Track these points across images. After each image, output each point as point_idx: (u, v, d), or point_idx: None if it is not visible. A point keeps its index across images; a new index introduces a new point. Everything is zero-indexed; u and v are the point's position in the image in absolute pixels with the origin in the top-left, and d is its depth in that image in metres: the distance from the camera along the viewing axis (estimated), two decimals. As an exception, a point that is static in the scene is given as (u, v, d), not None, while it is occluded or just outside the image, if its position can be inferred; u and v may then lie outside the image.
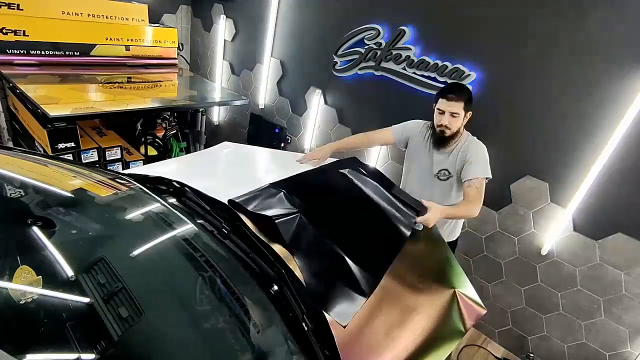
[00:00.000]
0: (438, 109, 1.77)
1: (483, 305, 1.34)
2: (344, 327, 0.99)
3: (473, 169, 1.76)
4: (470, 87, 1.97)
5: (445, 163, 1.87)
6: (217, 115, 4.03)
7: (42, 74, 2.68)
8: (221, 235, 1.22)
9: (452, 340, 1.17)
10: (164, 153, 3.34)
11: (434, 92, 2.35)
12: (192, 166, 1.80)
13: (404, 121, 2.09)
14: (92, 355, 0.75)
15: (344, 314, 1.02)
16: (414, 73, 2.43)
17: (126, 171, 1.71)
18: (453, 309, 1.26)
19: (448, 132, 1.77)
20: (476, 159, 1.77)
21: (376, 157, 2.79)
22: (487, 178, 1.78)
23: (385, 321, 1.10)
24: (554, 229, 2.15)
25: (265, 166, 1.92)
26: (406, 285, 1.26)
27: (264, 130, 3.47)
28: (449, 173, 1.87)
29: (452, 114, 1.72)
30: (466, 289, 1.35)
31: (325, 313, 0.99)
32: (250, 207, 1.24)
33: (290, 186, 1.44)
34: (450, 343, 1.15)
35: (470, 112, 1.78)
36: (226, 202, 1.26)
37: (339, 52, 2.76)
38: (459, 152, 1.83)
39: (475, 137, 1.86)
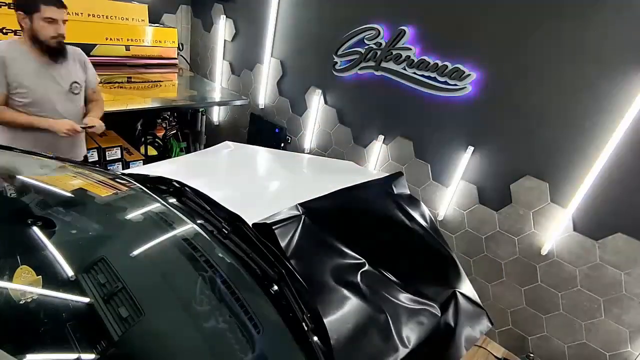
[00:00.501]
0: (48, 17, 1.60)
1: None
2: None
3: (94, 77, 1.94)
4: None
5: (73, 76, 1.80)
6: (217, 115, 4.03)
7: (42, 74, 2.68)
8: (221, 235, 1.22)
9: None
10: (164, 153, 3.35)
11: (434, 92, 2.37)
12: (193, 166, 1.80)
13: (404, 121, 2.09)
14: (92, 355, 0.75)
15: None
16: (414, 73, 2.43)
17: (126, 171, 1.71)
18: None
19: (63, 41, 1.70)
20: (90, 69, 1.90)
21: (376, 157, 2.79)
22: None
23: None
24: (554, 229, 2.15)
25: (266, 166, 1.92)
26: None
27: (264, 130, 3.47)
28: (79, 84, 1.84)
29: (64, 21, 1.65)
30: (466, 288, 1.35)
31: (323, 317, 0.99)
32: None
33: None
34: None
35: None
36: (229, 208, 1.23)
37: (339, 52, 2.76)
38: (76, 60, 1.83)
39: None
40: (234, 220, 1.23)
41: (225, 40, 3.62)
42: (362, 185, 1.59)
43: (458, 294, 1.30)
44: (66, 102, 1.80)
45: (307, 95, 3.11)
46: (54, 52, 1.68)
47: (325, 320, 0.98)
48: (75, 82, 1.81)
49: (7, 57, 1.62)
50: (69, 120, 1.65)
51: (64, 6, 1.61)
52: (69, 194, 1.25)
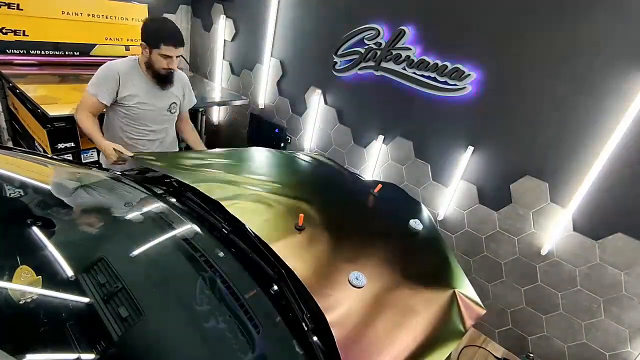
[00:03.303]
0: (166, 55, 1.82)
1: (482, 305, 1.34)
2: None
3: (191, 99, 2.21)
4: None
5: (173, 97, 2.05)
6: (217, 115, 4.03)
7: (42, 73, 2.68)
8: (221, 235, 1.22)
9: (452, 340, 1.17)
10: (164, 153, 3.34)
11: (434, 92, 2.37)
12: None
13: (404, 121, 2.09)
14: (92, 355, 0.75)
15: None
16: (414, 73, 2.43)
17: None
18: (452, 309, 1.26)
19: (173, 72, 1.96)
20: (188, 90, 2.17)
21: (376, 157, 2.79)
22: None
23: (385, 321, 1.10)
24: (554, 229, 2.15)
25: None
26: (406, 286, 1.26)
27: (264, 130, 3.47)
28: (177, 105, 2.09)
29: (177, 58, 1.88)
30: (465, 289, 1.35)
31: (325, 315, 0.99)
32: None
33: None
34: (450, 343, 1.15)
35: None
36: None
37: (339, 52, 2.76)
38: (179, 85, 2.07)
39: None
40: (233, 220, 1.23)
41: (225, 40, 3.62)
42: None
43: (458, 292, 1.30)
44: (162, 119, 2.06)
45: (307, 95, 3.11)
46: (163, 80, 1.94)
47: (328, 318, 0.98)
48: (174, 102, 2.07)
49: (122, 74, 1.87)
50: (110, 146, 1.79)
51: (181, 45, 1.85)
52: (68, 194, 1.25)
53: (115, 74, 1.85)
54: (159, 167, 1.55)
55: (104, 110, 1.97)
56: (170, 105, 2.05)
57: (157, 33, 1.80)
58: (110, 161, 1.80)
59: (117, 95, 1.88)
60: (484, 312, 1.32)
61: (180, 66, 3.62)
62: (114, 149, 1.77)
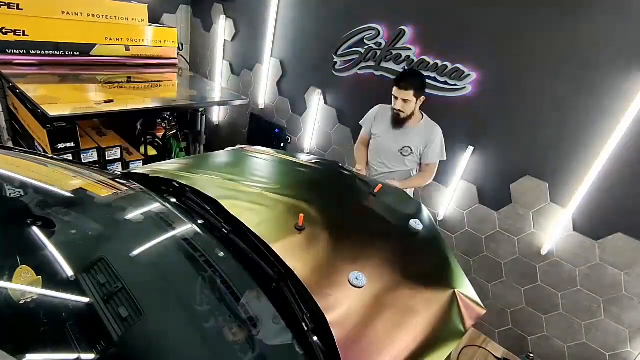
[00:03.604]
0: (393, 95, 2.05)
1: (482, 305, 1.34)
2: None
3: (432, 153, 2.16)
4: (421, 74, 2.14)
5: (407, 141, 2.16)
6: (217, 115, 4.03)
7: (42, 73, 2.68)
8: (221, 235, 1.22)
9: (452, 340, 1.17)
10: (164, 153, 3.34)
11: (434, 92, 2.37)
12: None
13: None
14: (92, 355, 0.75)
15: None
16: (414, 73, 2.43)
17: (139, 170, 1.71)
18: (453, 309, 1.26)
19: (402, 115, 2.09)
20: (436, 143, 2.14)
21: (376, 157, 2.79)
22: (444, 160, 2.22)
23: (385, 321, 1.10)
24: (554, 229, 2.15)
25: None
26: (406, 285, 1.26)
27: (264, 130, 3.47)
28: (411, 150, 2.16)
29: (403, 100, 2.02)
30: (465, 288, 1.35)
31: (325, 315, 0.99)
32: None
33: None
34: (450, 343, 1.15)
35: (423, 97, 2.07)
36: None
37: (339, 52, 2.76)
38: (421, 133, 2.14)
39: (429, 119, 2.18)
40: (234, 220, 1.23)
41: (225, 40, 3.62)
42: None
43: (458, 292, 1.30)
44: (395, 159, 2.23)
45: (307, 95, 3.11)
46: (394, 119, 2.15)
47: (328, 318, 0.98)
48: (407, 146, 2.16)
49: (378, 114, 2.27)
50: (362, 167, 2.25)
51: (406, 88, 1.99)
52: (69, 194, 1.25)
53: (379, 115, 2.26)
54: (163, 174, 1.55)
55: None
56: (402, 147, 2.17)
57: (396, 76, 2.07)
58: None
59: (371, 129, 2.29)
60: (484, 312, 1.32)
61: (181, 66, 3.64)
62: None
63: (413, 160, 2.21)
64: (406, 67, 2.46)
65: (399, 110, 2.06)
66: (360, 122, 2.35)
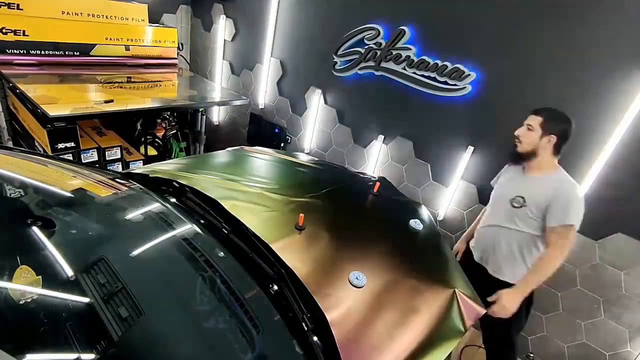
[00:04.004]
0: (522, 124, 1.69)
1: (482, 305, 1.34)
2: None
3: (554, 212, 1.56)
4: (570, 119, 1.64)
5: (524, 190, 1.67)
6: (217, 115, 4.03)
7: (42, 74, 2.68)
8: (221, 235, 1.22)
9: (452, 339, 1.17)
10: (164, 153, 3.34)
11: (434, 92, 2.37)
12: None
13: (404, 121, 2.11)
14: (92, 355, 0.75)
15: None
16: (414, 73, 2.43)
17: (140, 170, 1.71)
18: (453, 309, 1.26)
19: (519, 146, 1.68)
20: (561, 201, 1.56)
21: (376, 157, 2.79)
22: (571, 225, 1.54)
23: (385, 321, 1.10)
24: (554, 229, 2.14)
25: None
26: (406, 285, 1.26)
27: (264, 130, 3.47)
28: (524, 201, 1.64)
29: (527, 126, 1.65)
30: (465, 288, 1.35)
31: (325, 313, 0.99)
32: None
33: None
34: (450, 342, 1.15)
35: (554, 136, 1.60)
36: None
37: (339, 52, 2.76)
38: (545, 184, 1.63)
39: (569, 176, 1.64)
40: (234, 220, 1.23)
41: (225, 40, 3.62)
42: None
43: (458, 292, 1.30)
44: (503, 211, 1.72)
45: (307, 95, 3.11)
46: (511, 155, 1.75)
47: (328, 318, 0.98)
48: (520, 196, 1.65)
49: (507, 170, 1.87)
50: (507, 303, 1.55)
51: (536, 114, 1.65)
52: (69, 194, 1.25)
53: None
54: (165, 175, 1.55)
55: None
56: (515, 196, 1.67)
57: None
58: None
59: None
60: (484, 311, 1.33)
61: (181, 66, 3.64)
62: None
63: (526, 219, 1.64)
64: (406, 67, 2.45)
65: (517, 137, 1.68)
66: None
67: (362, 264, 1.24)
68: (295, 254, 1.17)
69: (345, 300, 1.09)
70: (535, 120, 1.64)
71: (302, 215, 1.29)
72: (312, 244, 1.26)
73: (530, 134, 1.64)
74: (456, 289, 1.30)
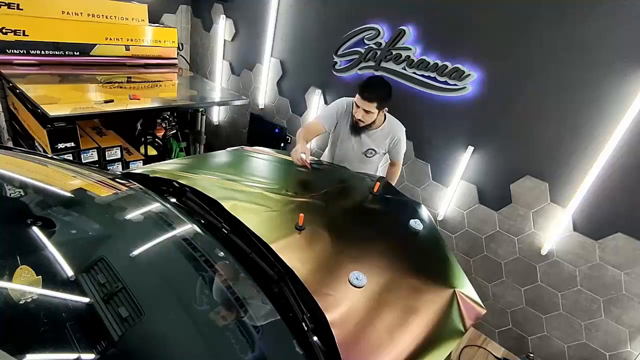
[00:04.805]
0: (355, 103, 1.95)
1: (482, 305, 1.34)
2: None
3: (400, 151, 2.15)
4: (389, 84, 1.97)
5: (371, 144, 2.11)
6: (217, 115, 4.03)
7: (42, 73, 2.68)
8: (221, 235, 1.22)
9: (452, 340, 1.17)
10: (164, 153, 3.34)
11: (434, 92, 2.37)
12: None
13: (404, 121, 2.10)
14: (92, 355, 0.75)
15: None
16: (414, 73, 2.43)
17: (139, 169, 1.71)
18: (453, 309, 1.26)
19: (362, 124, 2.01)
20: (402, 142, 2.13)
21: (376, 157, 2.79)
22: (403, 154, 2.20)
23: (385, 321, 1.10)
24: (554, 229, 2.15)
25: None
26: (406, 285, 1.26)
27: (264, 130, 3.47)
28: (375, 152, 2.13)
29: (365, 111, 1.93)
30: (466, 288, 1.35)
31: (325, 314, 0.99)
32: None
33: None
34: (450, 343, 1.15)
35: (387, 108, 2.01)
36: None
37: (339, 52, 2.76)
38: (386, 134, 2.09)
39: (392, 117, 2.11)
40: (234, 220, 1.23)
41: (225, 40, 3.62)
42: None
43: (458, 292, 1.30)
44: (359, 161, 2.17)
45: (307, 95, 3.11)
46: (352, 126, 2.07)
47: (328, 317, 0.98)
48: (372, 149, 2.12)
49: (341, 113, 2.11)
50: (299, 151, 1.86)
51: (370, 100, 1.88)
52: (69, 194, 1.25)
53: (340, 113, 2.09)
54: (166, 174, 1.55)
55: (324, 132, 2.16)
56: (366, 150, 2.13)
57: (360, 84, 1.92)
58: (293, 158, 1.87)
59: (334, 125, 2.14)
60: (484, 311, 1.32)
61: (181, 66, 3.64)
62: (301, 155, 1.83)
63: (375, 159, 2.19)
64: (406, 67, 2.45)
65: (358, 119, 1.98)
66: (319, 115, 2.15)
67: (362, 264, 1.24)
68: (295, 254, 1.17)
69: (345, 300, 1.08)
70: (372, 106, 1.91)
71: (302, 215, 1.29)
72: (312, 244, 1.26)
73: (369, 115, 1.95)
74: (456, 289, 1.30)
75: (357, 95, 1.91)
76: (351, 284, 1.14)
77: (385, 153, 2.19)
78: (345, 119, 2.11)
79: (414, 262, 1.40)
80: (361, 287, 1.14)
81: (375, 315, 1.09)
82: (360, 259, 1.28)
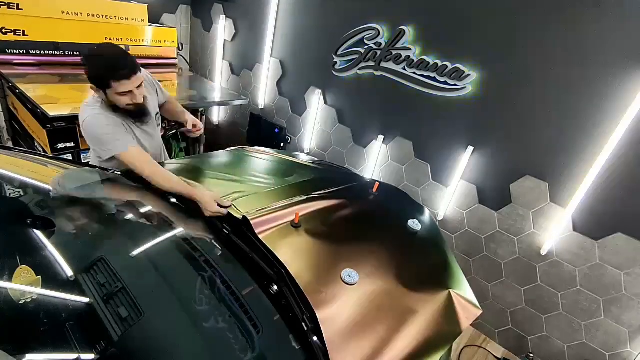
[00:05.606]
0: (121, 92, 1.47)
1: (479, 306, 1.33)
2: None
3: (165, 93, 1.90)
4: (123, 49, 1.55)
5: (154, 111, 1.77)
6: (217, 115, 4.03)
7: (42, 74, 2.68)
8: (221, 236, 1.22)
9: (447, 341, 1.16)
10: (164, 153, 3.33)
11: (434, 92, 2.37)
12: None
13: (404, 121, 2.09)
14: (92, 355, 0.75)
15: None
16: (414, 73, 2.43)
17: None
18: (447, 310, 1.25)
19: (141, 104, 1.59)
20: (159, 83, 1.86)
21: (376, 157, 2.79)
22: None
23: (378, 320, 1.09)
24: (554, 229, 2.15)
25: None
26: (400, 285, 1.25)
27: (264, 130, 3.47)
28: (158, 111, 1.84)
29: (138, 88, 1.52)
30: (462, 289, 1.35)
31: (316, 312, 0.99)
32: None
33: None
34: (445, 344, 1.14)
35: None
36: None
37: (339, 52, 2.76)
38: (150, 87, 1.78)
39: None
40: (234, 220, 1.23)
41: (225, 40, 3.62)
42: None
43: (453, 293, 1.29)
44: (157, 131, 1.82)
45: (306, 95, 3.11)
46: (135, 115, 1.60)
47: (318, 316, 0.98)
48: (157, 113, 1.79)
49: (120, 121, 1.58)
50: (213, 198, 1.35)
51: (135, 72, 1.46)
52: (68, 194, 1.25)
53: (118, 122, 1.56)
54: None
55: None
56: (155, 115, 1.78)
57: (99, 71, 1.44)
58: (209, 213, 1.33)
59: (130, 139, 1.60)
60: (479, 312, 1.32)
61: (181, 66, 3.64)
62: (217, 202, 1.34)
63: (159, 117, 1.85)
64: (406, 67, 2.45)
65: (136, 103, 1.54)
66: (118, 144, 1.50)
67: (356, 262, 1.24)
68: (290, 251, 1.17)
69: (336, 297, 1.08)
70: (139, 79, 1.51)
71: (297, 212, 1.29)
72: (307, 241, 1.26)
73: (141, 88, 1.55)
74: (451, 290, 1.30)
75: (120, 82, 1.44)
76: (343, 281, 1.14)
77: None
78: (127, 124, 1.62)
79: (410, 261, 1.40)
80: (353, 285, 1.14)
81: (367, 314, 1.09)
82: (355, 257, 1.28)
